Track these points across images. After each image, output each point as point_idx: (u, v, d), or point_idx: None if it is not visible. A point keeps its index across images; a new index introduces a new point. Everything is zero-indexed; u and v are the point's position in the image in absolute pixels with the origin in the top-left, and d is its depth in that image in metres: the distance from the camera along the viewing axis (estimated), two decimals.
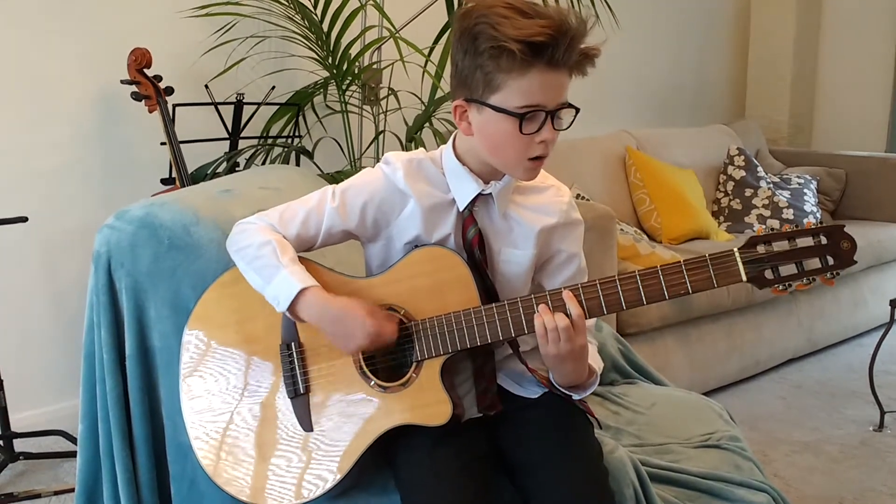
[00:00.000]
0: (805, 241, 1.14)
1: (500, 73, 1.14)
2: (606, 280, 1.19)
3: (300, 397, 1.28)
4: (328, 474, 1.25)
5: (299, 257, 1.29)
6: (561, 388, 1.28)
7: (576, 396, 1.29)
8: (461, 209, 1.27)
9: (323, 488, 1.25)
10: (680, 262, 1.16)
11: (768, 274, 1.14)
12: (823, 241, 1.14)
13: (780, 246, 1.15)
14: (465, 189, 1.26)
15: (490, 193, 1.26)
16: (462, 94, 1.20)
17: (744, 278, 1.14)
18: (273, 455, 1.28)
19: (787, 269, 1.15)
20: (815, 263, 1.14)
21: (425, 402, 1.23)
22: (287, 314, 1.25)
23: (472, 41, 1.15)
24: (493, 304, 1.22)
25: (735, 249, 1.15)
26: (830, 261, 1.14)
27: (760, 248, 1.14)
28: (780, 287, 1.15)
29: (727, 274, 1.15)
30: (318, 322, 1.23)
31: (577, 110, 1.19)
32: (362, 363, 1.27)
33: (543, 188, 1.32)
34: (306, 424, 1.27)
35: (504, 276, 1.30)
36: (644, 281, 1.17)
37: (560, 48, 1.11)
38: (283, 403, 1.29)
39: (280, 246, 1.25)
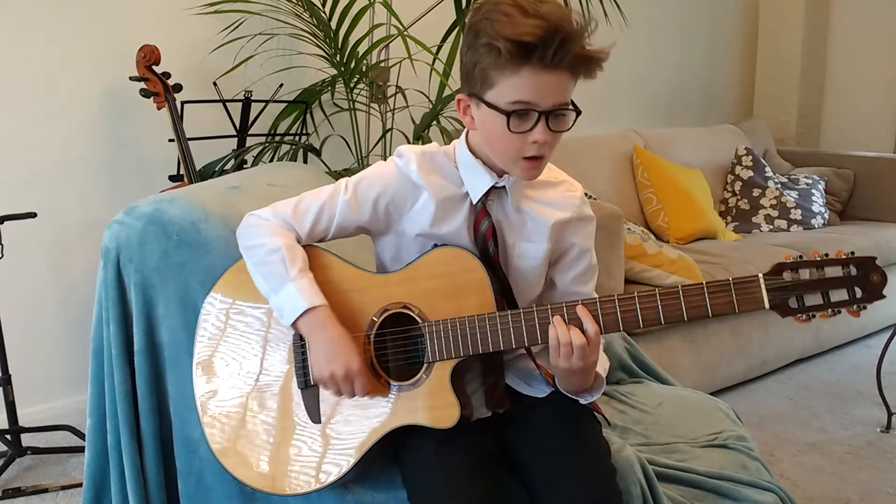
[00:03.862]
0: (834, 271, 1.11)
1: (493, 70, 1.14)
2: (625, 297, 1.17)
3: (310, 388, 1.28)
4: (332, 467, 1.26)
5: (316, 247, 1.29)
6: (567, 393, 1.28)
7: (582, 401, 1.28)
8: (475, 202, 1.26)
9: (326, 481, 1.26)
10: (702, 284, 1.13)
11: (792, 303, 1.11)
12: (853, 272, 1.11)
13: (807, 274, 1.11)
14: (478, 182, 1.26)
15: (504, 186, 1.26)
16: (465, 89, 1.21)
17: (766, 306, 1.11)
18: (280, 444, 1.29)
19: (812, 299, 1.11)
20: (842, 294, 1.11)
21: (434, 403, 1.22)
22: (289, 327, 1.25)
23: (474, 37, 1.16)
24: (508, 312, 1.21)
25: (760, 275, 1.11)
26: (858, 293, 1.11)
27: (786, 276, 1.11)
28: (804, 317, 1.12)
29: (750, 300, 1.11)
30: (310, 334, 1.23)
31: (579, 112, 1.18)
32: (374, 359, 1.27)
33: (556, 183, 1.32)
34: (315, 416, 1.28)
35: (518, 270, 1.29)
36: (664, 300, 1.14)
37: (550, 49, 1.10)
38: (294, 393, 1.29)
39: (289, 253, 1.24)
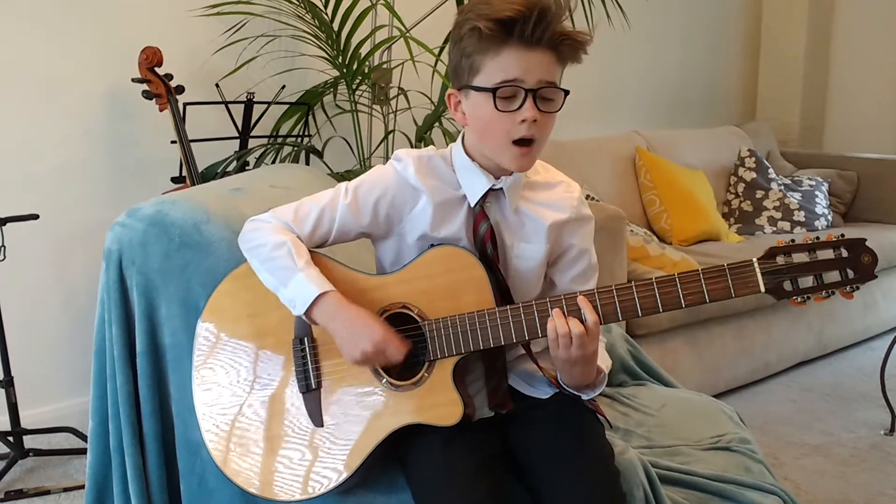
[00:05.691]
0: (825, 254, 1.13)
1: (478, 55, 1.17)
2: (623, 286, 1.17)
3: (312, 392, 1.28)
4: (337, 471, 1.25)
5: (314, 252, 1.29)
6: (569, 389, 1.28)
7: (584, 396, 1.28)
8: (472, 205, 1.27)
9: (331, 484, 1.25)
10: (698, 270, 1.15)
11: (787, 286, 1.13)
12: (844, 253, 1.12)
13: (800, 257, 1.13)
14: (475, 184, 1.26)
15: (501, 188, 1.26)
16: (455, 84, 1.23)
17: (762, 289, 1.13)
18: (283, 449, 1.28)
19: (806, 281, 1.13)
20: (834, 276, 1.13)
21: (436, 402, 1.22)
22: (303, 317, 1.25)
23: (458, 31, 1.19)
24: (508, 307, 1.21)
25: (754, 260, 1.13)
26: (850, 274, 1.12)
27: (780, 259, 1.13)
28: (799, 299, 1.13)
29: (745, 284, 1.13)
30: (328, 323, 1.23)
31: (566, 92, 1.19)
32: None
33: (553, 184, 1.32)
34: (317, 420, 1.28)
35: (517, 271, 1.30)
36: (661, 288, 1.16)
37: (529, 24, 1.13)
38: (295, 398, 1.29)
39: (295, 247, 1.25)
